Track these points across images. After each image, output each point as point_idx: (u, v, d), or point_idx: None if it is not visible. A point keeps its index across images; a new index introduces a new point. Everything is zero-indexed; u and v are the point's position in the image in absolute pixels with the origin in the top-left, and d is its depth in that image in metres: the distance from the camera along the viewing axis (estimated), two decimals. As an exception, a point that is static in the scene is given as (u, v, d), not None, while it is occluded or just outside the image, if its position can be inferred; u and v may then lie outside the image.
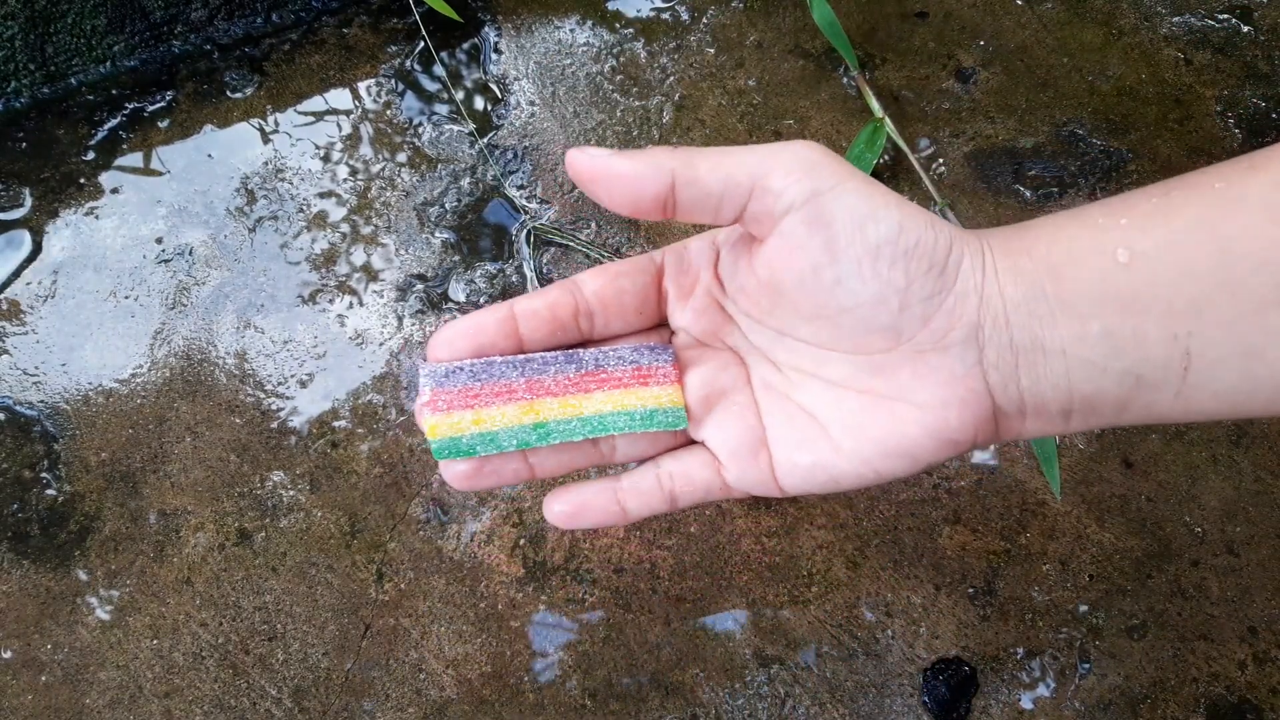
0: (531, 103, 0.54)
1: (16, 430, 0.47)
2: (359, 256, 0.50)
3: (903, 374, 0.26)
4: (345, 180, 0.52)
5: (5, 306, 0.50)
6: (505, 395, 0.28)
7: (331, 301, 0.49)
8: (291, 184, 0.52)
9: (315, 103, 0.54)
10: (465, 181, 0.52)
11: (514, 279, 0.50)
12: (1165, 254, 0.23)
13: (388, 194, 0.52)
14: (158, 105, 0.54)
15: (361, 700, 0.42)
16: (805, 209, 0.25)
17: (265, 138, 0.53)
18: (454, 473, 0.29)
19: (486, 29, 0.56)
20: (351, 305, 0.49)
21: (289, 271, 0.50)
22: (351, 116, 0.54)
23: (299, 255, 0.50)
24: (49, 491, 0.46)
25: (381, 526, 0.45)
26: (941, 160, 0.52)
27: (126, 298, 0.50)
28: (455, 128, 0.53)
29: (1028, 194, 0.51)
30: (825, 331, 0.27)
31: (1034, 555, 0.44)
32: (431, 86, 0.55)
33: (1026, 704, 0.42)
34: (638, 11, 0.56)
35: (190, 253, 0.51)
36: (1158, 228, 0.24)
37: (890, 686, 0.42)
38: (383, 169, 0.52)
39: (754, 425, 0.29)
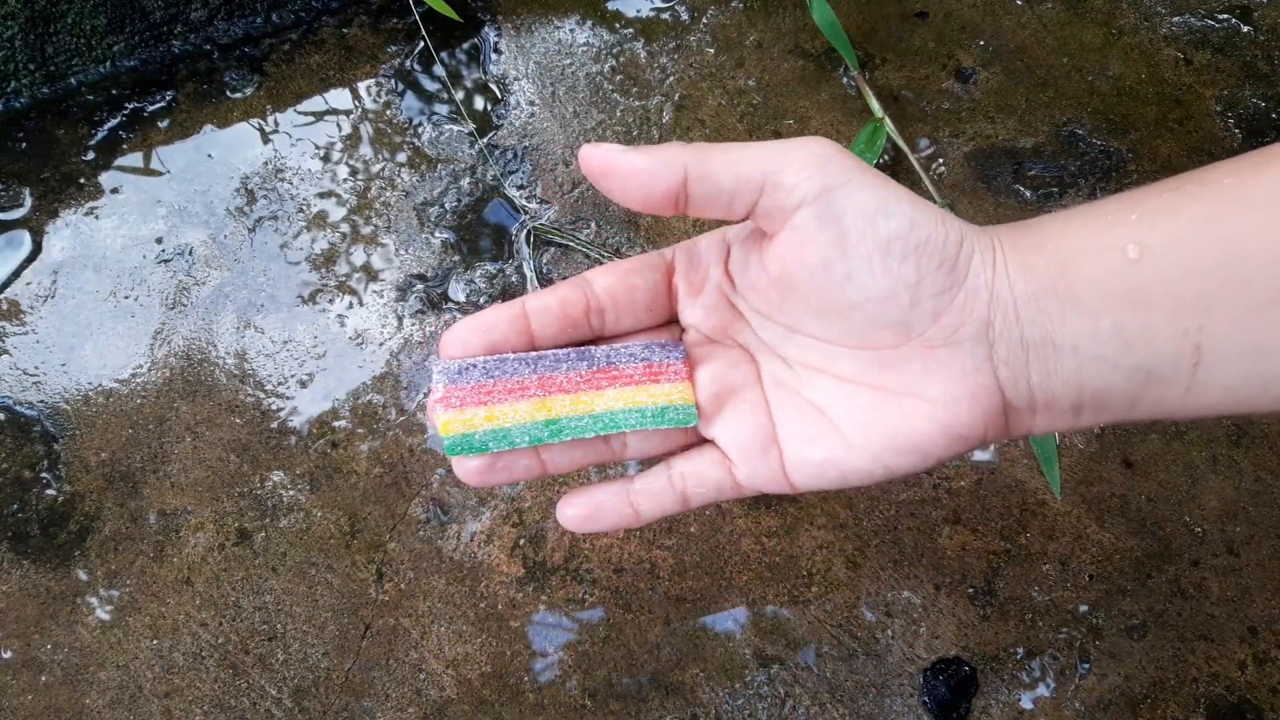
0: (531, 103, 0.54)
1: (16, 430, 0.47)
2: (359, 256, 0.50)
3: (913, 369, 0.26)
4: (345, 180, 0.52)
5: (5, 306, 0.50)
6: (518, 392, 0.28)
7: (331, 301, 0.49)
8: (291, 184, 0.52)
9: (315, 103, 0.54)
10: (465, 181, 0.52)
11: (514, 279, 0.50)
12: (1174, 250, 0.23)
13: (388, 194, 0.52)
14: (158, 105, 0.54)
15: (361, 700, 0.42)
16: (817, 204, 0.25)
17: (265, 138, 0.53)
18: (466, 469, 0.29)
19: (486, 29, 0.56)
20: (351, 305, 0.49)
21: (289, 271, 0.50)
22: (351, 116, 0.54)
23: (299, 255, 0.50)
24: (49, 491, 0.46)
25: (381, 526, 0.45)
26: (941, 160, 0.52)
27: (126, 298, 0.50)
28: (455, 128, 0.53)
29: (1028, 194, 0.51)
30: (836, 327, 0.27)
31: (1034, 555, 0.44)
32: (431, 86, 0.55)
33: (1026, 704, 0.42)
34: (638, 11, 0.56)
35: (190, 253, 0.51)
36: (1166, 224, 0.24)
37: (890, 686, 0.42)
38: (383, 169, 0.52)
39: (764, 423, 0.29)
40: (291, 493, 0.46)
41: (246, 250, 0.51)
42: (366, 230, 0.51)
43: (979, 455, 0.46)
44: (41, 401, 0.48)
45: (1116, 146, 0.52)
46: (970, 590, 0.43)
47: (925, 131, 0.53)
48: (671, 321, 0.31)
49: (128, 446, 0.47)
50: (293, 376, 0.48)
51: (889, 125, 0.51)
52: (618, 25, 0.56)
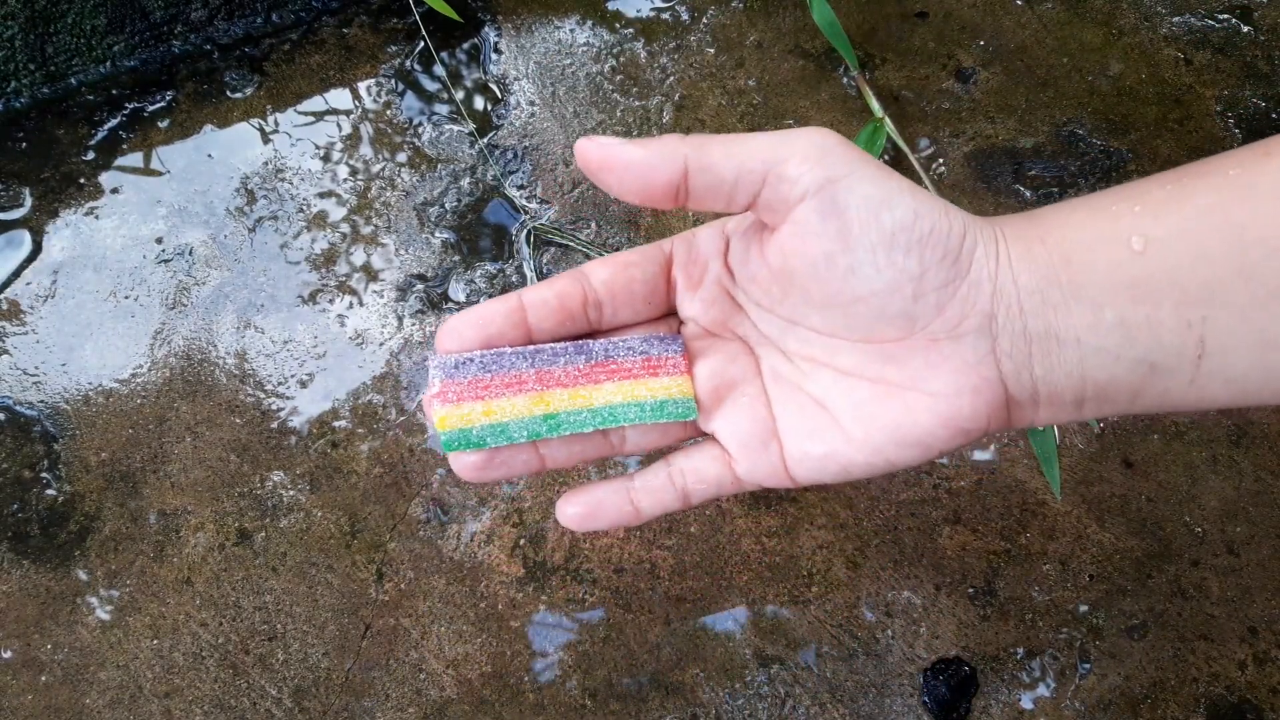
0: (531, 103, 0.54)
1: (16, 430, 0.47)
2: (359, 256, 0.50)
3: (915, 362, 0.26)
4: (345, 180, 0.52)
5: (5, 306, 0.50)
6: (515, 386, 0.28)
7: (331, 301, 0.49)
8: (291, 184, 0.52)
9: (315, 103, 0.54)
10: (465, 181, 0.52)
11: (514, 279, 0.50)
12: (1179, 241, 0.23)
13: (388, 194, 0.52)
14: (158, 105, 0.54)
15: (361, 700, 0.42)
16: (819, 196, 0.25)
17: (265, 138, 0.53)
18: (464, 464, 0.28)
19: (486, 29, 0.56)
20: (351, 305, 0.49)
21: (289, 271, 0.50)
22: (351, 116, 0.54)
23: (299, 255, 0.50)
24: (49, 491, 0.46)
25: (381, 526, 0.45)
26: (941, 160, 0.52)
27: (126, 298, 0.50)
28: (455, 128, 0.53)
29: (1028, 194, 0.51)
30: (837, 320, 0.27)
31: (1034, 555, 0.44)
32: (431, 86, 0.55)
33: (1026, 704, 0.42)
34: (638, 11, 0.56)
35: (190, 253, 0.51)
36: (1171, 214, 0.24)
37: (890, 686, 0.42)
38: (383, 169, 0.52)
39: (764, 416, 0.29)
40: (291, 493, 0.46)
41: (246, 250, 0.51)
42: (366, 230, 0.51)
43: (979, 455, 0.46)
44: (41, 401, 0.48)
45: (1116, 146, 0.52)
46: (970, 590, 0.43)
47: (925, 131, 0.53)
48: (670, 314, 0.31)
49: (128, 446, 0.47)
50: (293, 376, 0.48)
51: (889, 125, 0.51)
52: (618, 25, 0.56)
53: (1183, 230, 0.23)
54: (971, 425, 0.26)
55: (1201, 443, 0.46)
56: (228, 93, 0.54)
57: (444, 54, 0.55)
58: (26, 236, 0.51)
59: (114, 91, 0.54)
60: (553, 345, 0.29)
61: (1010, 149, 0.52)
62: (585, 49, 0.55)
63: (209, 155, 0.53)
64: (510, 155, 0.53)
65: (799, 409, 0.28)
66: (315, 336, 0.49)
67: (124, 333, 0.49)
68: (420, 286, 0.50)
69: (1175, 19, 0.56)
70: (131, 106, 0.54)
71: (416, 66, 0.55)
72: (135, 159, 0.53)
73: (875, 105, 0.52)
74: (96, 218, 0.51)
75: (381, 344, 0.48)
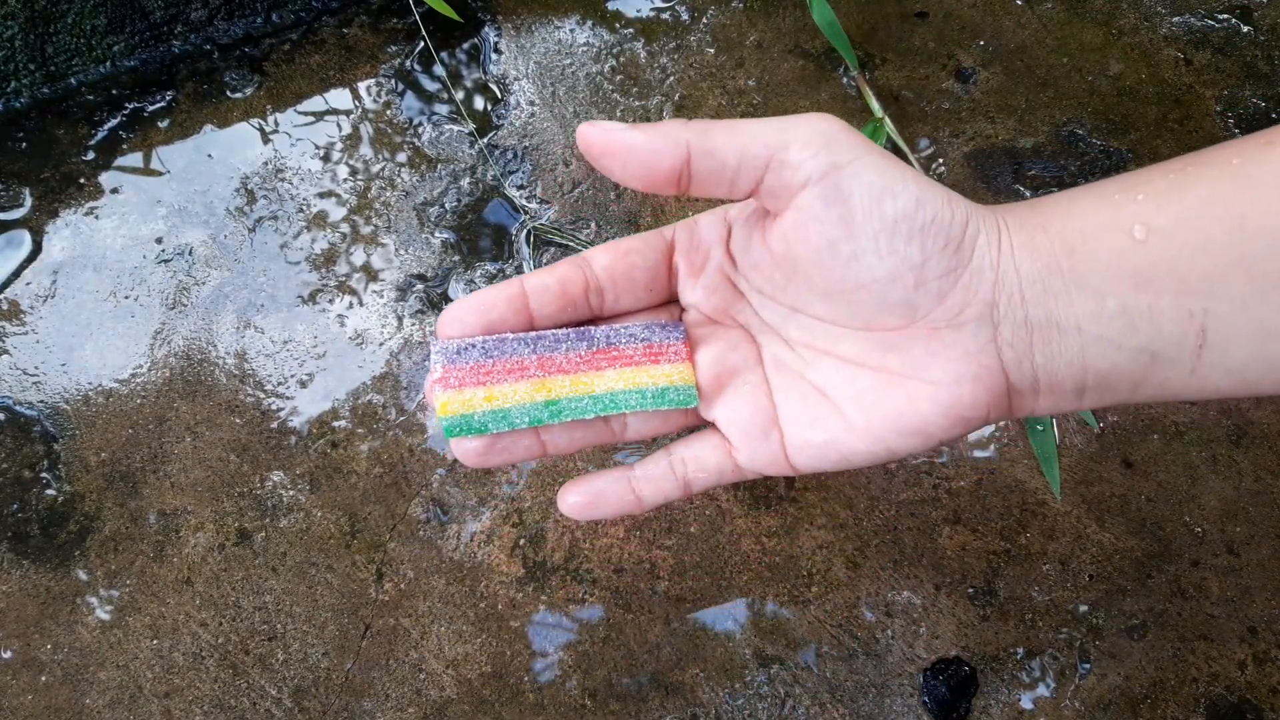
0: (531, 103, 0.54)
1: (16, 430, 0.47)
2: (359, 256, 0.50)
3: (916, 351, 0.26)
4: (345, 180, 0.52)
5: (5, 306, 0.50)
6: (517, 372, 0.28)
7: (331, 301, 0.49)
8: (291, 184, 0.52)
9: (315, 103, 0.54)
10: (465, 181, 0.52)
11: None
12: (1181, 230, 0.23)
13: (388, 194, 0.52)
14: (158, 105, 0.54)
15: (361, 700, 0.42)
16: (823, 183, 0.25)
17: (265, 138, 0.53)
18: (465, 450, 0.28)
19: (486, 29, 0.56)
20: (351, 305, 0.49)
21: (289, 271, 0.50)
22: (351, 116, 0.54)
23: (299, 255, 0.50)
24: (49, 491, 0.46)
25: (381, 526, 0.45)
26: (941, 160, 0.52)
27: (126, 298, 0.50)
28: (455, 128, 0.53)
29: (1028, 194, 0.51)
30: (839, 308, 0.27)
31: (1034, 555, 0.44)
32: (431, 86, 0.55)
33: (1026, 704, 0.42)
34: (638, 11, 0.56)
35: (190, 253, 0.51)
36: (1173, 204, 0.24)
37: (890, 686, 0.42)
38: (383, 169, 0.52)
39: (765, 405, 0.28)
40: (291, 493, 0.46)
41: (246, 250, 0.51)
42: (366, 230, 0.51)
43: (979, 454, 0.46)
44: (41, 401, 0.48)
45: (1116, 146, 0.52)
46: (970, 590, 0.43)
47: (925, 131, 0.53)
48: (671, 301, 0.31)
49: (128, 446, 0.47)
50: (293, 376, 0.48)
51: (889, 125, 0.51)
52: (618, 25, 0.56)
53: (1185, 220, 0.23)
54: (972, 414, 0.26)
55: (1201, 443, 0.46)
56: (228, 93, 0.54)
57: (444, 54, 0.55)
58: (26, 236, 0.51)
59: (114, 91, 0.54)
60: (554, 331, 0.29)
61: (1010, 149, 0.52)
62: (585, 49, 0.55)
63: (209, 155, 0.53)
64: (510, 155, 0.53)
65: (800, 397, 0.28)
66: (315, 336, 0.49)
67: (124, 333, 0.49)
68: (420, 286, 0.50)
69: (1175, 19, 0.56)
70: (131, 106, 0.54)
71: (416, 66, 0.55)
72: (135, 159, 0.53)
73: (875, 105, 0.52)
74: (96, 218, 0.51)
75: (381, 344, 0.48)
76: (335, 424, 0.47)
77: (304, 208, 0.51)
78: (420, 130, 0.53)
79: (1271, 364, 0.23)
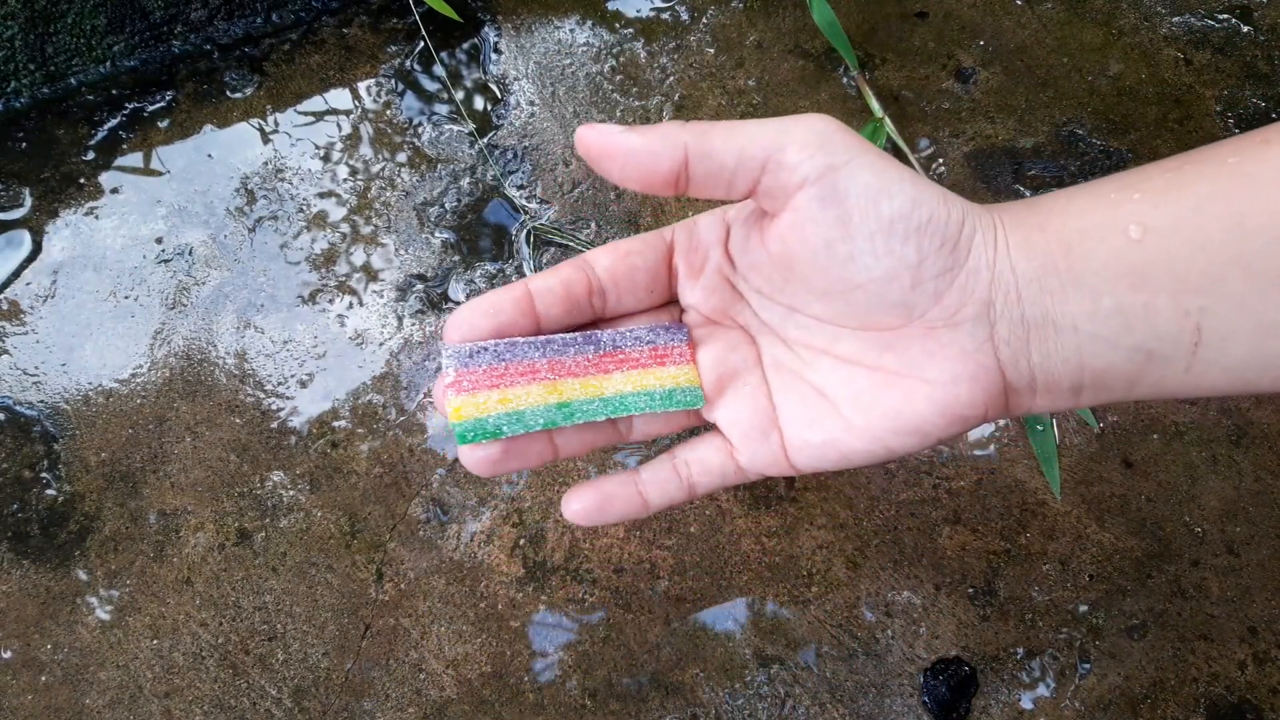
0: (531, 103, 0.54)
1: (16, 430, 0.47)
2: (359, 256, 0.50)
3: (914, 350, 0.26)
4: (345, 180, 0.52)
5: (5, 306, 0.50)
6: (529, 375, 0.28)
7: (331, 301, 0.49)
8: (291, 184, 0.52)
9: (315, 103, 0.54)
10: (465, 181, 0.52)
11: (514, 279, 0.50)
12: (1177, 229, 0.23)
13: (388, 194, 0.52)
14: (158, 105, 0.54)
15: (361, 700, 0.42)
16: (820, 184, 0.25)
17: (265, 138, 0.53)
18: (477, 459, 0.28)
19: (486, 29, 0.56)
20: (351, 305, 0.49)
21: (289, 271, 0.50)
22: (351, 116, 0.54)
23: (299, 255, 0.50)
24: (49, 491, 0.46)
25: (381, 526, 0.45)
26: (941, 160, 0.52)
27: (126, 298, 0.50)
28: (455, 128, 0.53)
29: (1028, 194, 0.51)
30: (837, 308, 0.27)
31: (1034, 555, 0.44)
32: (431, 86, 0.55)
33: (1026, 704, 0.42)
34: (638, 11, 0.56)
35: (190, 253, 0.51)
36: (1170, 203, 0.24)
37: (890, 686, 0.42)
38: (383, 169, 0.52)
39: (765, 406, 0.29)
40: (291, 493, 0.45)
41: (246, 250, 0.51)
42: (366, 230, 0.51)
43: (979, 454, 0.46)
44: (41, 401, 0.48)
45: (1116, 146, 0.52)
46: (970, 590, 0.43)
47: (925, 131, 0.53)
48: (672, 302, 0.31)
49: (128, 446, 0.47)
50: (293, 376, 0.48)
51: (889, 125, 0.51)
52: (618, 25, 0.56)
53: (1182, 219, 0.23)
54: (969, 412, 0.26)
55: (1201, 443, 0.46)
56: (228, 93, 0.54)
57: (444, 54, 0.55)
58: (26, 236, 0.51)
59: (114, 91, 0.54)
60: (563, 335, 0.29)
61: (1010, 149, 0.52)
62: (585, 49, 0.55)
63: (209, 155, 0.53)
64: (510, 155, 0.53)
65: (799, 397, 0.28)
66: (315, 336, 0.49)
67: (124, 333, 0.49)
68: (420, 286, 0.50)
69: (1175, 19, 0.56)
70: (131, 106, 0.54)
71: (416, 66, 0.55)
72: (135, 159, 0.53)
73: (875, 105, 0.52)
74: (96, 218, 0.51)
75: (381, 344, 0.48)
76: (335, 424, 0.47)
77: (304, 208, 0.51)
78: (420, 130, 0.53)
79: (1269, 361, 0.23)
